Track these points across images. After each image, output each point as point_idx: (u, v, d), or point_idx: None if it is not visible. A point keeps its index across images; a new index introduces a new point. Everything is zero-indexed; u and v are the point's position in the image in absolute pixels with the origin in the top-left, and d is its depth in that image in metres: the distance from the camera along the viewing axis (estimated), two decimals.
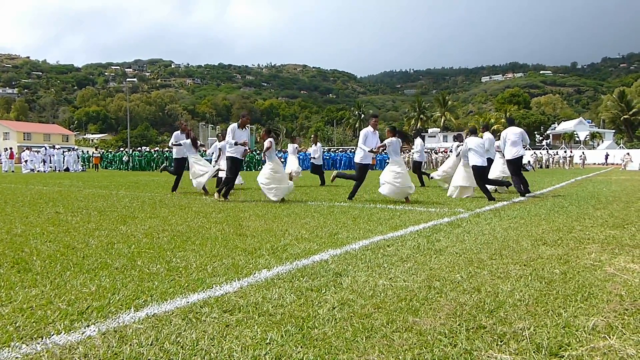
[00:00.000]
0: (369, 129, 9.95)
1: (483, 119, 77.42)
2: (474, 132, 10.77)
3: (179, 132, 11.98)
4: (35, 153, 32.17)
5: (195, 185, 11.70)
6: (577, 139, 73.65)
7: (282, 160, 37.54)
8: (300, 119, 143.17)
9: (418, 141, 15.54)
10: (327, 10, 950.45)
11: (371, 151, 9.71)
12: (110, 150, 52.03)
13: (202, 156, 13.87)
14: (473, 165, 10.12)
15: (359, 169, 10.06)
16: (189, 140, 11.69)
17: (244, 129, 9.84)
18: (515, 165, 10.87)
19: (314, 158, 16.21)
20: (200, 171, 11.55)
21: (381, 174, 9.73)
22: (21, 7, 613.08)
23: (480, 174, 10.11)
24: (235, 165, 9.73)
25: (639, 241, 5.28)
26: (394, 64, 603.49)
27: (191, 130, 12.35)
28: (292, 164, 15.76)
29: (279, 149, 43.31)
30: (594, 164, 53.86)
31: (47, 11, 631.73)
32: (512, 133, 10.88)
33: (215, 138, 13.93)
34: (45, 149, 33.92)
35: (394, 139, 9.59)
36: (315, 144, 16.16)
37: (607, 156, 54.24)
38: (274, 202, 9.31)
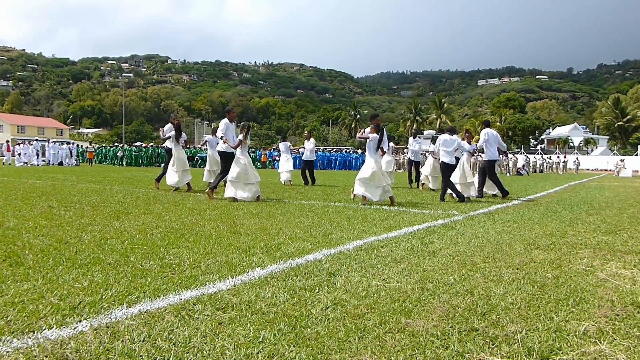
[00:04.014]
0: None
1: (478, 122, 77.75)
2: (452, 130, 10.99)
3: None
4: (29, 146, 31.97)
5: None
6: (571, 144, 73.94)
7: (277, 158, 37.60)
8: (296, 118, 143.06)
9: (413, 141, 15.55)
10: (324, 10, 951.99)
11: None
12: (104, 144, 51.73)
13: (196, 153, 13.86)
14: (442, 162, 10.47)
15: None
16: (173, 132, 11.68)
17: (234, 123, 9.99)
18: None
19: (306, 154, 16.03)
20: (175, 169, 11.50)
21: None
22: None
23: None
24: (228, 159, 9.75)
25: (630, 247, 5.32)
26: (390, 65, 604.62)
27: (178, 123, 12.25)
28: (285, 165, 15.69)
29: (274, 147, 43.28)
30: (591, 169, 53.86)
31: (42, 3, 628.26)
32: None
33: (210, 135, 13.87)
34: (37, 141, 33.73)
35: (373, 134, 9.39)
36: (309, 140, 16.00)
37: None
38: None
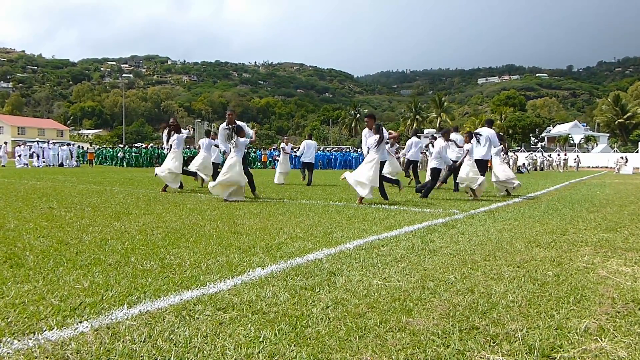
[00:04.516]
0: (366, 129, 10.11)
1: (479, 121, 77.72)
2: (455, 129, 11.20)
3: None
4: (28, 148, 32.03)
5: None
6: (571, 142, 73.96)
7: (277, 158, 37.57)
8: (297, 118, 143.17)
9: (413, 140, 15.51)
10: (324, 9, 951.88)
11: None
12: (104, 145, 51.74)
13: (196, 154, 13.86)
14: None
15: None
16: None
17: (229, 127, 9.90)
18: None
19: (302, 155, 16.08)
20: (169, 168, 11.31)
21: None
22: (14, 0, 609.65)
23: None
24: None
25: (631, 244, 5.31)
26: (390, 64, 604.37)
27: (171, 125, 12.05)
28: (282, 166, 15.75)
29: (274, 147, 43.29)
30: (592, 167, 53.78)
31: (42, 4, 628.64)
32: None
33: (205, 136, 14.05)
34: (38, 143, 33.78)
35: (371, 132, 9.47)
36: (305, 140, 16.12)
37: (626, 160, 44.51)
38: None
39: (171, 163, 11.14)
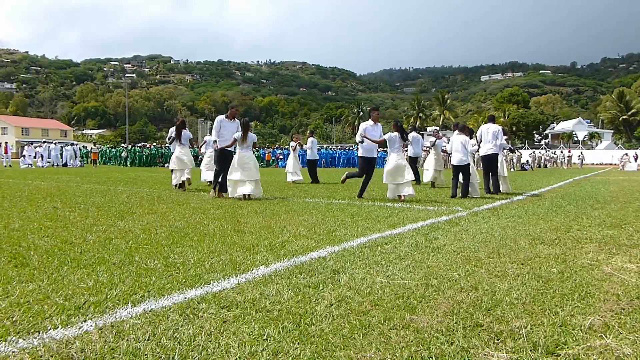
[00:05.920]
0: (369, 122, 9.87)
1: (482, 118, 77.48)
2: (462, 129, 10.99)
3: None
4: (33, 148, 32.14)
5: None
6: (575, 138, 73.75)
7: (280, 157, 37.53)
8: (300, 117, 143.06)
9: (413, 135, 15.41)
10: (326, 7, 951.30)
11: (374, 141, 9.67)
12: (109, 146, 51.88)
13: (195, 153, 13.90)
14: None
15: (360, 164, 10.03)
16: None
17: (233, 120, 9.78)
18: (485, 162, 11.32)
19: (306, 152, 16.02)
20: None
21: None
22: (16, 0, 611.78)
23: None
24: (223, 157, 9.60)
25: (636, 241, 5.29)
26: (393, 62, 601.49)
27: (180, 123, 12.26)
28: (291, 164, 15.69)
29: (277, 145, 43.30)
30: (596, 163, 53.66)
31: (44, 5, 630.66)
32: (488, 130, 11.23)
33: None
34: (45, 143, 33.93)
35: (392, 133, 9.59)
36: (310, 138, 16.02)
37: (636, 157, 41.19)
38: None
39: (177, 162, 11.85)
